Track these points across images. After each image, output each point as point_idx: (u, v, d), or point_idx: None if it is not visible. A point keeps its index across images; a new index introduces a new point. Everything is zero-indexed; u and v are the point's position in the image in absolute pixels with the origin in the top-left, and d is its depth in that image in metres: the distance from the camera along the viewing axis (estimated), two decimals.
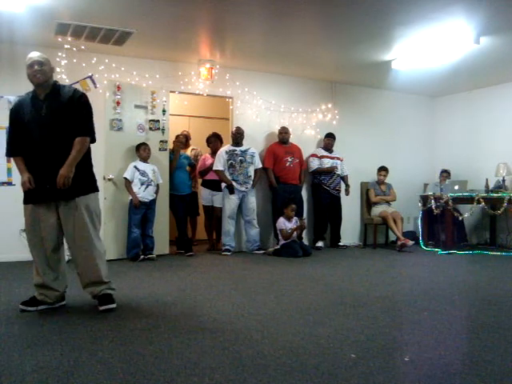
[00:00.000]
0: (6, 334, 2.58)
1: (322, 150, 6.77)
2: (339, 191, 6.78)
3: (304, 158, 6.70)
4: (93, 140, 3.14)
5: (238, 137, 6.09)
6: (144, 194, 5.39)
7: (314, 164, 6.69)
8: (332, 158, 6.73)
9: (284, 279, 4.40)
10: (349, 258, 5.84)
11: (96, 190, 3.21)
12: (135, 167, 5.39)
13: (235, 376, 2.02)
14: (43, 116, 2.98)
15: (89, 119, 3.11)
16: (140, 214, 5.40)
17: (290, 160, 6.39)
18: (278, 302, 3.40)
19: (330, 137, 6.79)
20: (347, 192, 6.83)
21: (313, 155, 6.76)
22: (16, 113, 3.07)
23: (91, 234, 3.06)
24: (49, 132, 2.97)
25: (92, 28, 4.81)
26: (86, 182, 3.11)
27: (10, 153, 3.13)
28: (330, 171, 6.68)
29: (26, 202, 3.06)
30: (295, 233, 5.94)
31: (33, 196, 3.02)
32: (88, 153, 3.15)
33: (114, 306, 3.07)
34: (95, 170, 3.27)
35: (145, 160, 5.46)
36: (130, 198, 5.39)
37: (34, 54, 3.05)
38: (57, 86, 3.10)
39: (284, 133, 6.44)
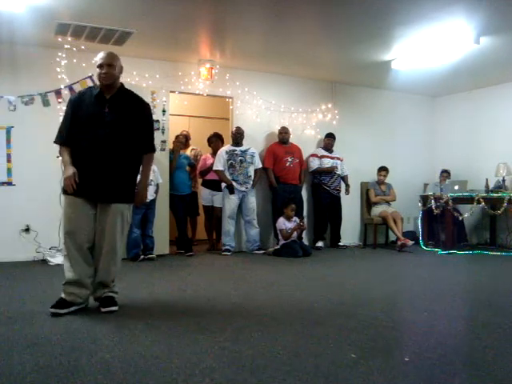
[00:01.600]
0: (5, 334, 2.57)
1: (322, 150, 6.77)
2: (339, 191, 6.78)
3: (304, 157, 6.70)
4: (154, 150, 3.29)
5: (238, 137, 6.09)
6: None
7: (314, 164, 6.69)
8: (332, 158, 6.74)
9: (284, 279, 4.41)
10: (349, 258, 5.84)
11: (133, 201, 3.21)
12: None
13: (235, 376, 2.02)
14: (106, 115, 2.99)
15: (153, 134, 3.23)
16: (140, 214, 5.40)
17: (289, 160, 6.39)
18: (278, 302, 3.40)
19: (330, 137, 6.80)
20: (347, 192, 6.83)
21: (313, 155, 6.76)
22: (76, 104, 3.04)
23: (117, 240, 3.08)
24: (108, 132, 2.97)
25: (92, 28, 4.81)
26: (128, 191, 3.13)
27: (60, 140, 3.07)
28: (330, 171, 6.68)
29: (66, 192, 3.00)
30: (295, 233, 5.94)
31: (81, 190, 2.97)
32: (136, 164, 3.19)
33: (115, 308, 3.06)
34: None
35: None
36: None
37: (104, 55, 3.02)
38: (123, 89, 3.12)
39: (284, 133, 6.44)
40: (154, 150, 3.24)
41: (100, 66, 3.00)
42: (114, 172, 3.03)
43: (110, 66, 2.99)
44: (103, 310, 3.03)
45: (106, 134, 2.97)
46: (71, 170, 2.93)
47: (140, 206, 5.25)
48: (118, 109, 3.04)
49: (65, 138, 3.04)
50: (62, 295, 2.99)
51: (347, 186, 6.85)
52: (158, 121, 5.76)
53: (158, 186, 5.54)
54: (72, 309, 2.98)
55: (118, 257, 3.16)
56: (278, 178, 6.38)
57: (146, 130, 3.16)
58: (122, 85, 3.13)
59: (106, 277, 3.11)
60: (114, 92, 3.06)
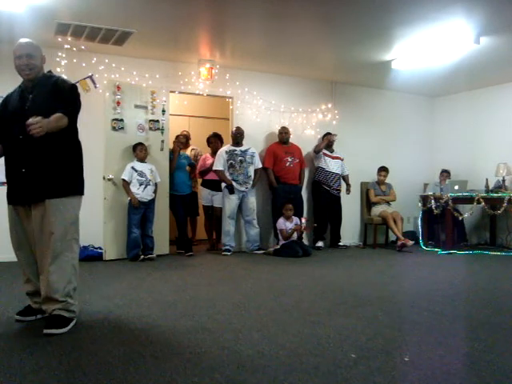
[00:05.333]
0: (5, 334, 2.58)
1: (324, 149, 6.76)
2: (339, 191, 6.78)
3: (304, 157, 6.70)
4: (73, 128, 2.82)
5: (238, 136, 6.09)
6: (143, 194, 5.39)
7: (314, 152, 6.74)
8: (333, 158, 6.73)
9: (284, 279, 4.40)
10: (349, 258, 5.83)
11: (75, 193, 2.83)
12: (132, 168, 5.39)
13: (235, 376, 2.02)
14: (26, 109, 2.72)
15: (72, 101, 2.79)
16: (139, 214, 5.40)
17: (289, 160, 6.39)
18: (278, 302, 3.40)
19: (330, 134, 6.78)
20: (348, 191, 6.82)
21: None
22: (2, 104, 2.89)
23: (57, 243, 2.67)
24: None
25: (92, 28, 4.81)
26: (60, 183, 2.74)
27: None
28: (330, 145, 6.69)
29: (7, 201, 2.85)
30: (295, 233, 5.95)
31: (11, 196, 2.82)
32: (71, 151, 2.83)
33: (60, 331, 2.57)
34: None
35: (142, 160, 5.46)
36: (129, 198, 5.39)
37: (23, 43, 2.79)
38: (43, 76, 2.85)
39: (284, 133, 6.44)
40: (66, 113, 2.68)
41: (19, 57, 2.78)
42: (41, 166, 2.71)
43: (30, 57, 2.78)
44: (45, 331, 2.55)
45: (25, 130, 2.57)
46: None
47: (137, 207, 5.31)
48: (38, 99, 2.75)
49: None
50: (30, 302, 2.90)
51: (348, 185, 6.85)
52: (157, 121, 5.77)
53: (156, 185, 5.54)
54: (39, 316, 2.86)
55: (63, 264, 2.69)
56: (277, 177, 6.38)
57: (62, 102, 2.72)
58: (44, 73, 2.88)
59: (47, 291, 2.66)
60: (36, 82, 2.80)
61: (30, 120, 2.49)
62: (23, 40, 2.89)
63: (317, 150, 6.70)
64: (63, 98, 2.76)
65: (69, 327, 2.65)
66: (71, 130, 2.81)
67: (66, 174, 2.78)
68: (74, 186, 2.83)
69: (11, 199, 2.84)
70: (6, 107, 2.86)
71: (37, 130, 2.49)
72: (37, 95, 2.79)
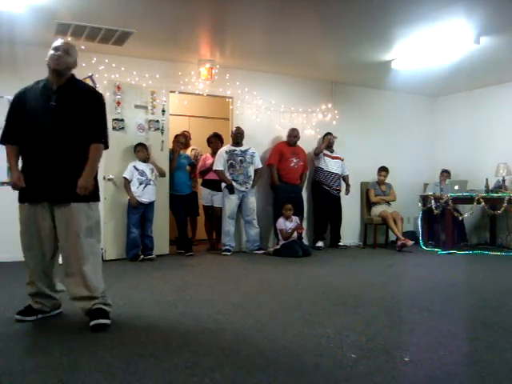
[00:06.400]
0: (5, 334, 2.58)
1: (324, 150, 6.75)
2: (339, 191, 6.78)
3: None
4: (106, 146, 2.89)
5: (238, 136, 6.09)
6: (142, 194, 5.39)
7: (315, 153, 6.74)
8: (333, 158, 6.72)
9: (284, 279, 4.40)
10: (349, 258, 5.83)
11: (97, 199, 2.91)
12: (134, 167, 5.40)
13: (235, 376, 2.02)
14: (52, 108, 2.71)
15: (104, 124, 2.87)
16: (138, 213, 5.40)
17: (295, 161, 6.41)
18: (278, 302, 3.40)
19: (330, 134, 6.78)
20: (347, 191, 6.83)
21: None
22: (20, 99, 2.81)
23: (84, 245, 2.73)
24: (55, 126, 2.70)
25: (92, 28, 4.81)
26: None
27: (3, 139, 2.83)
28: (329, 145, 6.68)
29: (21, 200, 2.84)
30: (295, 233, 5.95)
31: (28, 194, 2.79)
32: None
33: (106, 321, 2.70)
34: None
35: (143, 160, 5.46)
36: (128, 198, 5.39)
37: (63, 41, 2.85)
38: (73, 79, 2.87)
39: (293, 136, 6.45)
40: (100, 140, 2.81)
41: (54, 49, 2.77)
42: (69, 168, 2.74)
43: (66, 52, 2.77)
44: (92, 322, 2.66)
45: (51, 129, 2.68)
46: (16, 175, 2.75)
47: (136, 207, 5.31)
48: (64, 100, 2.75)
49: (9, 136, 2.80)
50: (30, 302, 2.88)
51: (348, 185, 6.85)
52: (157, 121, 5.77)
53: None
54: (39, 316, 2.87)
55: (94, 263, 2.78)
56: (280, 176, 6.39)
57: (93, 118, 2.78)
58: (72, 76, 2.87)
59: (85, 290, 2.73)
60: (63, 83, 2.79)
61: (79, 189, 2.69)
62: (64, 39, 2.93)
63: (317, 152, 6.70)
64: (92, 120, 2.79)
65: (109, 320, 2.73)
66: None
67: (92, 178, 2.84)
68: (96, 192, 2.90)
69: (29, 197, 2.80)
70: (25, 103, 2.80)
71: (87, 193, 2.72)
72: (64, 97, 2.78)
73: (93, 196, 2.84)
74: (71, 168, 2.75)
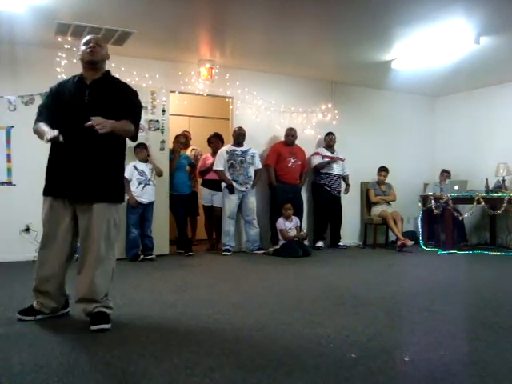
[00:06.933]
0: (5, 334, 2.58)
1: (325, 150, 6.74)
2: (339, 191, 6.78)
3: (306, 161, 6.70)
4: (135, 138, 2.90)
5: (239, 137, 6.08)
6: (141, 194, 5.39)
7: (317, 160, 6.65)
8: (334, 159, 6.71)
9: (284, 279, 4.41)
10: (349, 258, 5.83)
11: (121, 200, 2.88)
12: (134, 167, 5.41)
13: (235, 376, 2.02)
14: (86, 103, 2.70)
15: (138, 118, 2.87)
16: (137, 213, 5.40)
17: (292, 161, 6.39)
18: (278, 302, 3.40)
19: (332, 134, 6.78)
20: (347, 191, 6.82)
21: (316, 153, 6.73)
22: (55, 92, 2.81)
23: (102, 247, 2.73)
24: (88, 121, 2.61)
25: (92, 28, 4.81)
26: (111, 187, 2.79)
27: (38, 119, 2.80)
28: (331, 162, 6.63)
29: (44, 193, 2.79)
30: (294, 233, 5.96)
31: (52, 188, 2.76)
32: (121, 158, 2.91)
33: (107, 326, 2.65)
34: None
35: (143, 160, 5.46)
36: (127, 197, 5.39)
37: (92, 35, 2.90)
38: (108, 75, 2.88)
39: (291, 135, 6.44)
40: (134, 124, 2.78)
41: (86, 42, 2.78)
42: (95, 167, 2.71)
43: (99, 45, 2.79)
44: (92, 327, 2.63)
45: (83, 123, 2.60)
46: (55, 131, 2.57)
47: (135, 207, 5.31)
48: (99, 94, 2.75)
49: (43, 118, 2.77)
50: (34, 302, 2.86)
51: (347, 185, 6.85)
52: (157, 121, 5.77)
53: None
54: (39, 317, 2.84)
55: (107, 267, 2.77)
56: (278, 176, 6.38)
57: (128, 111, 2.77)
58: (107, 71, 2.89)
59: (89, 292, 2.72)
60: (97, 77, 2.79)
61: (98, 118, 2.53)
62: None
63: (319, 167, 6.63)
64: (129, 104, 2.80)
65: (110, 323, 2.71)
66: (125, 141, 2.90)
67: (117, 180, 2.85)
68: (121, 193, 2.88)
69: (52, 191, 2.77)
70: (63, 94, 2.80)
71: (100, 127, 2.51)
72: (97, 91, 2.77)
73: (115, 196, 2.82)
74: (98, 168, 2.73)
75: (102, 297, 2.76)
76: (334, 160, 6.65)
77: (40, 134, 2.71)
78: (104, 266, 2.76)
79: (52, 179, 2.79)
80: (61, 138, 2.58)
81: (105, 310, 2.74)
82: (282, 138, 6.57)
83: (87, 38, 2.85)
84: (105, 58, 2.86)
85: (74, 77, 2.90)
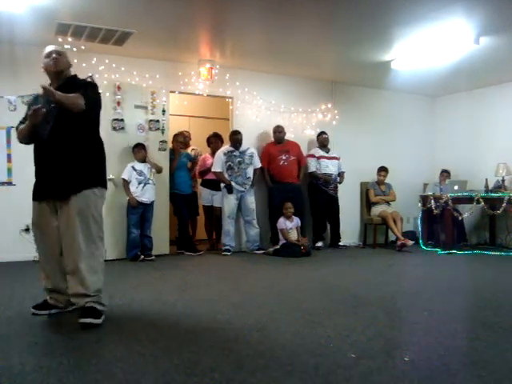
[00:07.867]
0: (5, 334, 2.58)
1: (320, 150, 6.69)
2: (336, 191, 6.75)
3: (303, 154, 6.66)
4: (95, 126, 2.94)
5: (236, 142, 6.04)
6: (142, 194, 5.40)
7: (312, 166, 6.60)
8: (329, 159, 6.65)
9: (284, 279, 4.41)
10: (349, 258, 5.83)
11: (96, 185, 2.88)
12: (132, 167, 5.41)
13: (235, 376, 2.02)
14: (51, 109, 2.77)
15: (90, 95, 2.83)
16: (137, 214, 5.40)
17: (284, 158, 6.34)
18: (278, 302, 3.40)
19: (324, 133, 6.73)
20: (341, 180, 6.73)
21: (310, 155, 6.66)
22: (29, 106, 2.93)
23: (81, 242, 2.75)
24: (55, 125, 2.77)
25: (92, 28, 4.81)
26: (82, 177, 2.82)
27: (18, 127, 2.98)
28: (327, 181, 6.58)
29: (32, 198, 2.92)
30: (295, 234, 5.95)
31: (36, 193, 2.90)
32: (96, 148, 2.95)
33: (97, 321, 2.70)
34: None
35: (141, 160, 5.46)
36: (127, 198, 5.39)
37: (52, 47, 2.99)
38: (72, 77, 2.97)
39: (278, 132, 6.40)
40: (84, 95, 2.76)
41: (47, 55, 2.91)
42: (63, 162, 2.80)
43: (58, 54, 2.91)
44: (80, 320, 2.67)
45: (51, 129, 2.77)
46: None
47: (135, 207, 5.31)
48: None
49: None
50: (47, 297, 2.96)
51: (341, 178, 6.75)
52: (158, 121, 5.77)
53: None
54: (53, 311, 2.94)
55: (91, 263, 2.78)
56: (273, 176, 6.37)
57: (80, 90, 2.81)
58: (73, 75, 3.00)
59: (78, 287, 2.76)
60: (62, 82, 2.89)
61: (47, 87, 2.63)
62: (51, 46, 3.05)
63: (314, 176, 6.60)
64: (82, 85, 2.88)
65: (101, 319, 2.75)
66: (92, 127, 2.94)
67: (87, 168, 2.86)
68: (94, 178, 2.89)
69: (37, 195, 2.90)
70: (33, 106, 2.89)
71: (50, 92, 2.60)
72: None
73: (89, 182, 2.85)
74: (70, 164, 2.82)
75: (94, 292, 2.78)
76: (329, 179, 6.58)
77: (24, 128, 2.89)
78: (88, 261, 2.77)
79: (36, 185, 2.92)
80: (44, 110, 2.72)
81: (96, 305, 2.78)
82: None
83: (48, 50, 2.96)
84: (67, 65, 2.98)
85: None
